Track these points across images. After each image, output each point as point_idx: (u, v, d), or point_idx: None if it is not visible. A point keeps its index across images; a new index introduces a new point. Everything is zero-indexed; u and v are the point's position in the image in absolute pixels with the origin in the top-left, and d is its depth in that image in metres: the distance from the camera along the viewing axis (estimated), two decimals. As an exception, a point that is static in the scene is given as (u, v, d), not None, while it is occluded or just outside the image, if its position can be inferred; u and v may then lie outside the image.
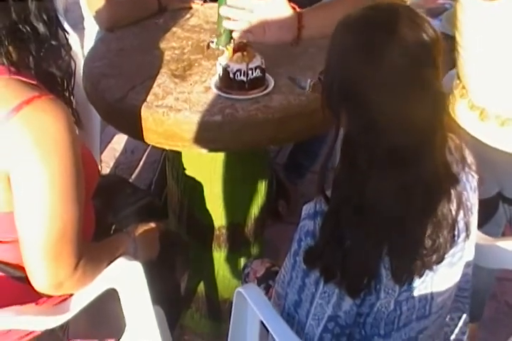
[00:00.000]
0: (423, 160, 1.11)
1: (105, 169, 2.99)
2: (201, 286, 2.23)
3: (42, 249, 1.27)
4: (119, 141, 3.14)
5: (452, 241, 1.21)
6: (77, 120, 1.43)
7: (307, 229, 1.19)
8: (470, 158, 1.28)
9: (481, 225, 1.50)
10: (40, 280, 1.30)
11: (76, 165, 1.28)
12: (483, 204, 1.38)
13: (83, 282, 1.37)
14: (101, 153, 3.02)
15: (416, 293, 1.23)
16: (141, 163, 3.05)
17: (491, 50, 1.50)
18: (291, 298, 1.25)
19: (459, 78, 1.68)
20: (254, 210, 2.13)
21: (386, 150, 1.09)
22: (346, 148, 1.13)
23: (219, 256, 2.15)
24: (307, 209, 1.21)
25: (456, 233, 1.21)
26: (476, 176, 1.28)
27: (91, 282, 1.39)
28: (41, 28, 1.30)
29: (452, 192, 1.19)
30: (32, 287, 1.33)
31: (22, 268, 1.33)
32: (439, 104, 1.11)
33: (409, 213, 1.13)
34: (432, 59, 1.09)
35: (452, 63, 1.72)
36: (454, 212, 1.19)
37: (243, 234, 2.15)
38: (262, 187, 2.13)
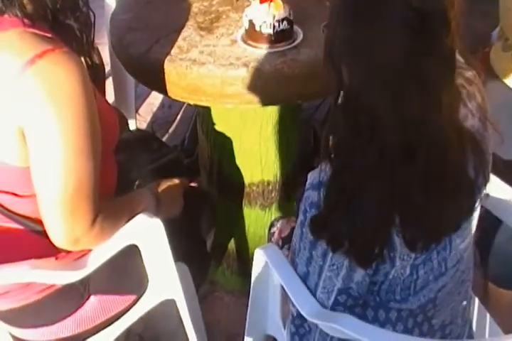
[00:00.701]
0: (428, 120, 1.03)
1: (142, 124, 2.98)
2: (232, 243, 2.22)
3: (58, 204, 1.26)
4: (157, 95, 3.10)
5: (472, 206, 1.15)
6: (96, 73, 1.40)
7: (311, 201, 1.13)
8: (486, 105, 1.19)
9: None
10: (57, 235, 1.29)
11: (90, 119, 1.25)
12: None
13: (101, 238, 1.36)
14: (138, 107, 3.01)
15: (434, 255, 1.17)
16: (178, 117, 3.02)
17: None
18: (300, 270, 1.21)
19: (502, 30, 1.60)
20: (286, 167, 2.08)
21: (388, 108, 1.01)
22: (347, 107, 1.06)
23: (249, 213, 2.12)
24: (311, 178, 1.16)
25: (475, 198, 1.15)
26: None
27: (109, 238, 1.38)
28: None
29: (469, 151, 1.11)
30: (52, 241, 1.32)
31: (42, 223, 1.32)
32: (447, 62, 1.03)
33: (414, 180, 1.06)
34: (442, 13, 0.99)
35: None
36: (472, 174, 1.12)
37: (274, 191, 2.10)
38: (294, 143, 2.08)
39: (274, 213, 2.14)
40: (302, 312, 1.20)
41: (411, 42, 0.98)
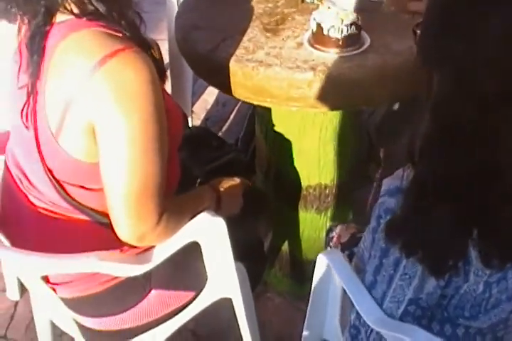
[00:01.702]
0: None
1: (196, 121, 2.99)
2: (286, 245, 2.22)
3: (124, 201, 1.28)
4: (212, 92, 3.11)
5: None
6: (162, 72, 1.41)
7: (387, 207, 1.12)
8: None
9: None
10: (123, 231, 1.32)
11: (158, 119, 1.26)
12: None
13: (165, 235, 1.38)
14: (192, 104, 3.03)
15: (509, 275, 1.12)
16: (232, 116, 3.03)
17: None
18: (368, 278, 1.20)
19: None
20: (344, 172, 2.08)
21: (476, 122, 0.99)
22: (436, 112, 1.03)
23: (305, 216, 2.12)
24: (388, 184, 1.14)
25: None
26: None
27: (173, 235, 1.40)
28: None
29: None
30: None
31: (108, 215, 1.34)
32: None
33: (498, 191, 1.03)
34: None
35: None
36: None
37: (331, 195, 2.10)
38: (353, 148, 2.08)
39: (329, 217, 2.14)
40: (367, 320, 1.18)
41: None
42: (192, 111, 3.00)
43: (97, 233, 1.43)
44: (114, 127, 1.24)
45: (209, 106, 3.10)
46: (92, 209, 1.42)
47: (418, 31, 1.14)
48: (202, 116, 3.04)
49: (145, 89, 1.24)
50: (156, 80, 1.27)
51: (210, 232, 1.45)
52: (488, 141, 1.01)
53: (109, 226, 1.34)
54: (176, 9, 2.49)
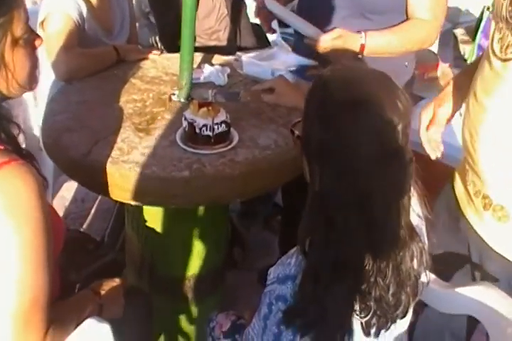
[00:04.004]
0: (390, 221, 1.14)
1: (55, 219, 2.91)
2: (167, 338, 2.19)
3: (11, 318, 1.20)
4: (69, 188, 3.07)
5: (415, 295, 1.25)
6: (45, 182, 1.38)
7: (277, 294, 1.19)
8: (424, 208, 1.33)
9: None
10: None
11: (46, 230, 1.23)
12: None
13: None
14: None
15: (382, 339, 1.27)
16: (93, 211, 2.99)
17: None
18: None
19: None
20: (216, 260, 2.12)
21: (356, 210, 1.11)
22: (321, 205, 1.15)
23: (183, 307, 2.13)
24: (276, 272, 1.22)
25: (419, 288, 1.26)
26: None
27: None
28: None
29: (414, 249, 1.22)
30: None
31: None
32: (407, 170, 1.15)
33: (376, 271, 1.16)
34: (405, 126, 1.12)
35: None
36: (416, 268, 1.23)
37: (206, 284, 2.12)
38: (223, 236, 2.13)
39: (206, 306, 2.15)
40: None
41: (382, 153, 1.10)
42: (50, 210, 2.92)
43: None
44: (3, 242, 1.18)
45: (67, 203, 3.04)
46: None
47: (296, 131, 1.24)
48: (61, 213, 2.96)
49: (34, 202, 1.20)
50: (43, 191, 1.24)
51: (96, 339, 1.40)
52: (366, 234, 1.14)
53: None
54: (29, 104, 2.47)
